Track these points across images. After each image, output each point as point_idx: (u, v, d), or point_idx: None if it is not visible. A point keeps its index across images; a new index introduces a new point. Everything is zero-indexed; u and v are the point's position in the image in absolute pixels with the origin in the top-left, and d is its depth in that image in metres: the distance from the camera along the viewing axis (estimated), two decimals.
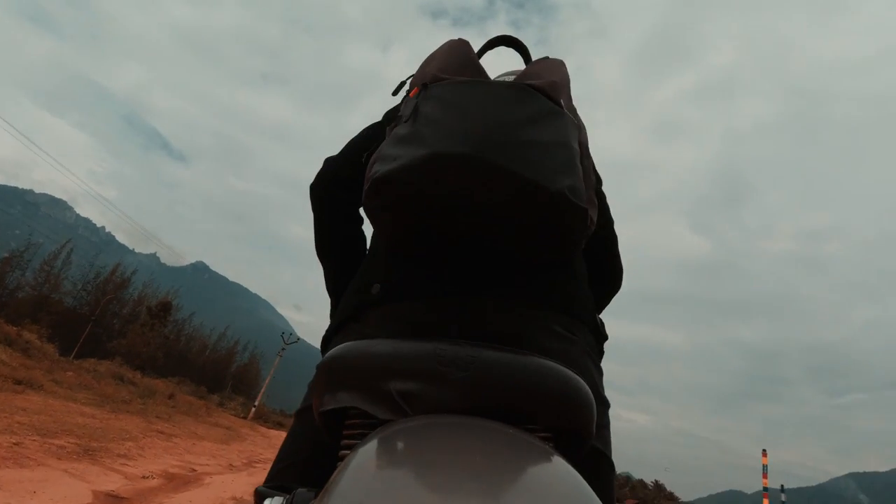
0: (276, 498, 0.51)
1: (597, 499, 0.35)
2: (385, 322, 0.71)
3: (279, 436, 22.46)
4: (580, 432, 0.55)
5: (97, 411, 8.98)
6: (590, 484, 0.38)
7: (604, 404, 0.73)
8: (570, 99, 0.79)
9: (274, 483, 0.64)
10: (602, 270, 0.99)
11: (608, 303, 1.05)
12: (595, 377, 0.72)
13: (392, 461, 0.38)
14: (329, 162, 0.98)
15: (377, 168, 0.66)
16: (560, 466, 0.39)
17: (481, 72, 0.78)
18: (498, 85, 0.70)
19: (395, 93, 0.87)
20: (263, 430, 24.05)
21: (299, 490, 0.49)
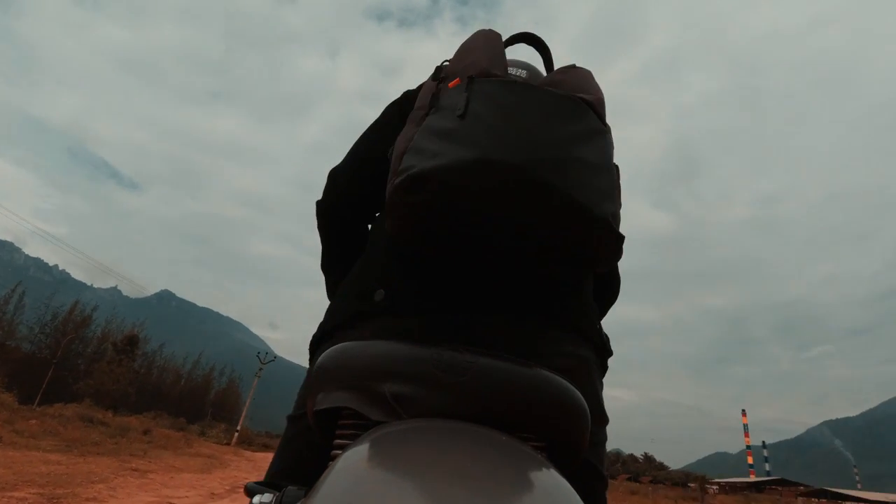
0: (266, 494, 0.51)
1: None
2: (385, 334, 0.65)
3: (266, 458, 21.95)
4: (574, 444, 0.55)
5: (63, 457, 8.53)
6: (581, 497, 0.38)
7: (603, 421, 0.72)
8: (605, 114, 0.77)
9: (267, 481, 0.64)
10: (605, 283, 0.99)
11: (607, 312, 1.05)
12: (598, 392, 0.71)
13: (382, 463, 0.38)
14: (334, 176, 0.93)
15: (412, 162, 0.60)
16: (550, 476, 0.39)
17: (511, 71, 0.74)
18: (552, 95, 0.65)
19: (434, 77, 0.76)
20: (248, 454, 23.44)
21: (289, 488, 0.50)
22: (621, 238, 0.63)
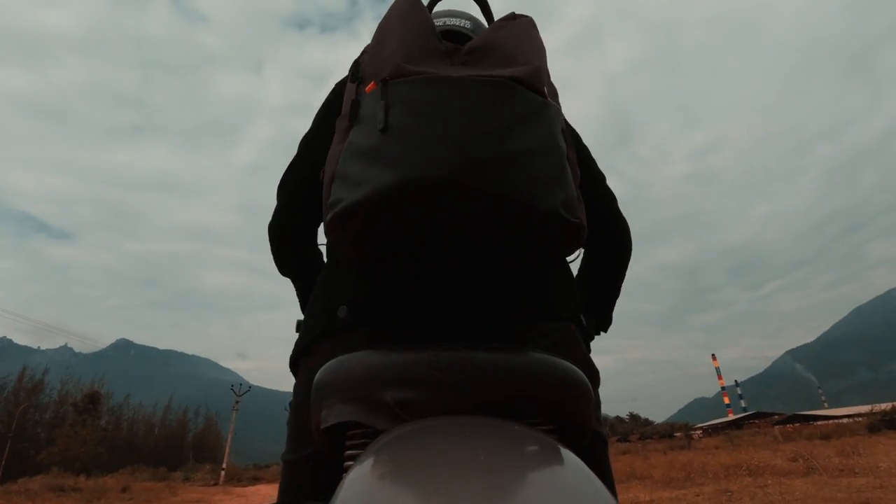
0: None
1: (603, 487, 0.35)
2: (351, 350, 0.63)
3: (256, 492, 21.30)
4: (581, 421, 0.55)
5: None
6: (592, 466, 0.38)
7: (595, 382, 0.73)
8: (548, 76, 0.70)
9: (282, 500, 0.65)
10: (608, 235, 0.94)
11: (625, 271, 0.99)
12: (587, 358, 0.73)
13: (395, 467, 0.38)
14: (280, 193, 0.88)
15: (339, 194, 0.57)
16: (565, 458, 0.39)
17: (446, 52, 0.67)
18: (477, 83, 0.58)
19: (352, 78, 0.70)
20: (239, 490, 22.66)
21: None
22: (576, 227, 0.59)
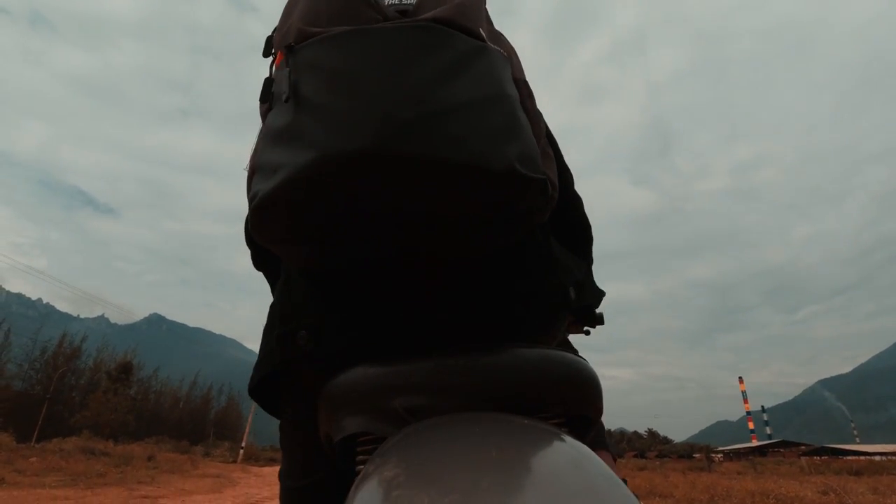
0: None
1: (617, 478, 0.35)
2: (325, 371, 0.56)
3: (273, 472, 21.77)
4: (591, 414, 0.55)
5: (71, 491, 8.37)
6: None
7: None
8: (490, 23, 0.60)
9: None
10: (573, 232, 0.82)
11: (590, 254, 0.87)
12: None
13: (408, 466, 0.37)
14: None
15: (256, 189, 0.48)
16: (577, 450, 0.39)
17: (364, 9, 0.54)
18: (394, 32, 0.48)
19: (265, 53, 0.61)
20: (256, 469, 23.24)
21: None
22: (539, 182, 0.48)
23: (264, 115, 0.55)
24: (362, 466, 0.53)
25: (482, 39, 0.52)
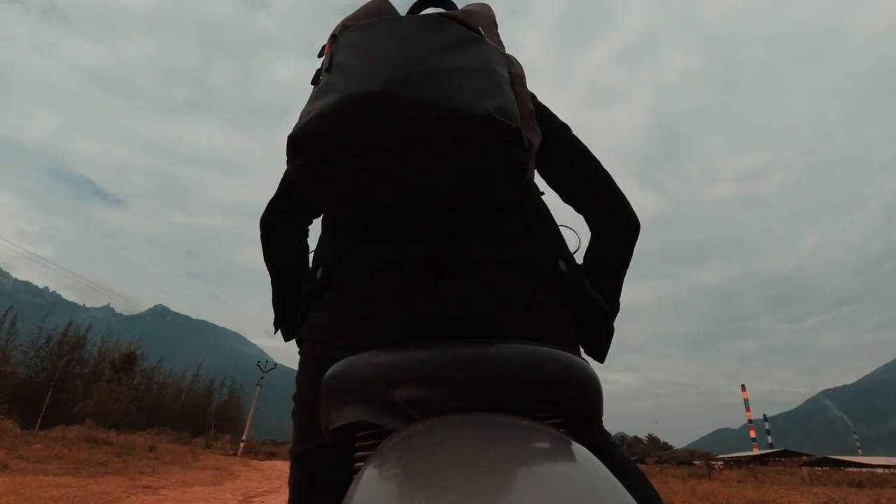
0: None
1: (616, 480, 0.35)
2: (334, 312, 0.67)
3: (273, 466, 21.87)
4: (590, 415, 0.55)
5: (73, 479, 8.44)
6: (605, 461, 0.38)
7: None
8: (495, 34, 0.73)
9: (297, 500, 0.66)
10: (608, 213, 0.85)
11: (630, 249, 0.88)
12: (574, 340, 0.69)
13: (406, 467, 0.38)
14: (278, 187, 0.91)
15: (294, 127, 0.62)
16: (576, 452, 0.39)
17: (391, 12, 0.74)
18: (409, 19, 0.66)
19: (320, 54, 0.76)
20: (256, 463, 23.34)
21: None
22: (514, 129, 0.57)
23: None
24: (360, 454, 0.55)
25: (479, 34, 0.66)
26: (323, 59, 0.71)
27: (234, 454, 28.23)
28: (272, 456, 32.04)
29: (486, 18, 0.72)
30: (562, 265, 0.71)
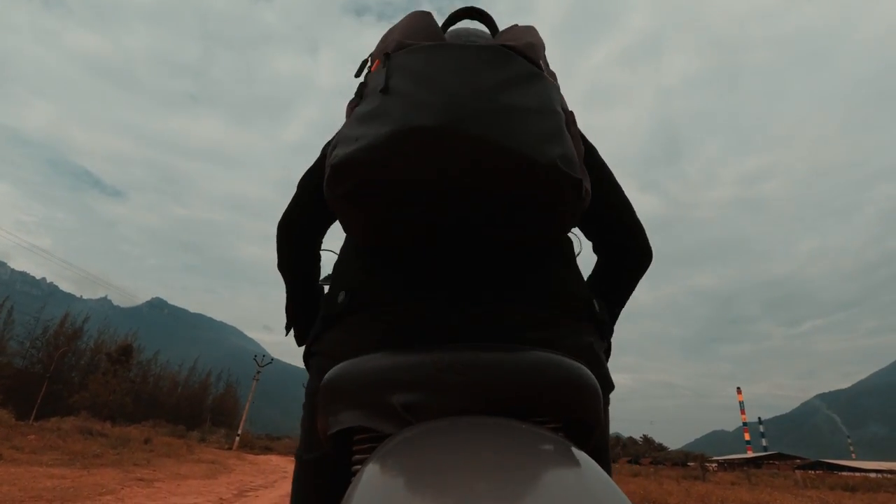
0: None
1: (614, 485, 0.35)
2: (353, 334, 0.65)
3: (268, 461, 21.86)
4: (588, 420, 0.55)
5: (67, 471, 8.43)
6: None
7: (606, 386, 0.70)
8: (548, 65, 0.72)
9: (300, 500, 0.67)
10: (621, 249, 0.86)
11: (636, 281, 0.90)
12: (594, 361, 0.68)
13: (405, 469, 0.38)
14: (297, 190, 0.89)
15: (337, 152, 0.59)
16: (575, 456, 0.39)
17: (445, 40, 0.70)
18: (471, 48, 0.61)
19: (358, 74, 0.73)
20: (251, 457, 23.32)
21: None
22: (576, 181, 0.57)
23: (351, 109, 0.67)
24: (358, 457, 0.55)
25: (541, 68, 0.64)
26: (367, 74, 0.67)
27: (230, 448, 28.25)
28: (268, 451, 32.05)
29: (541, 48, 0.69)
30: (596, 305, 0.72)
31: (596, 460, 0.39)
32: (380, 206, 0.60)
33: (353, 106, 0.67)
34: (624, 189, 0.87)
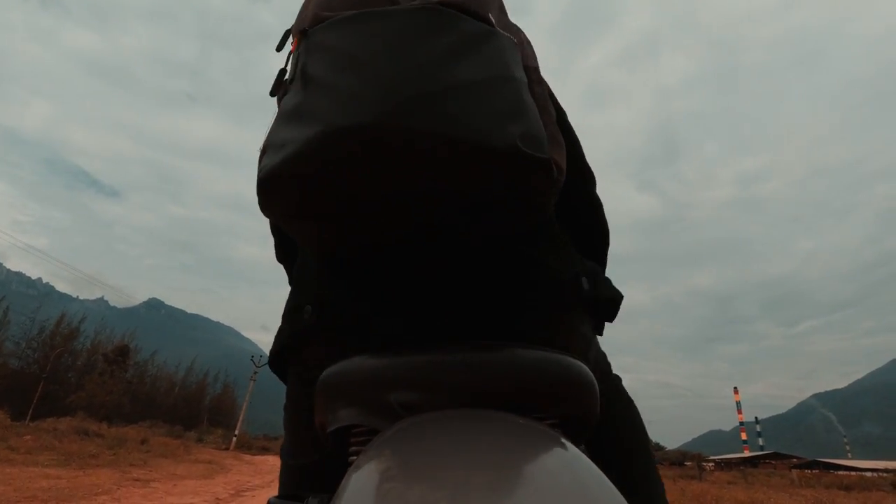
0: None
1: (606, 479, 0.35)
2: (325, 351, 0.59)
3: (265, 461, 21.85)
4: (585, 417, 0.55)
5: (63, 471, 8.41)
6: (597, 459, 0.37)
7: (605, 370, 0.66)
8: (503, 12, 0.60)
9: (286, 492, 0.64)
10: (584, 227, 0.78)
11: (605, 258, 0.83)
12: (586, 347, 0.64)
13: (400, 460, 0.38)
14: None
15: (264, 163, 0.49)
16: (569, 450, 0.39)
17: (369, 5, 0.56)
18: (398, 14, 0.49)
19: (279, 48, 0.63)
20: (248, 457, 23.31)
21: (311, 498, 0.50)
22: (544, 161, 0.47)
23: (277, 102, 0.58)
24: (354, 448, 0.54)
25: (491, 24, 0.52)
26: (289, 60, 0.57)
27: (227, 448, 28.20)
28: (265, 451, 32.04)
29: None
30: (584, 283, 0.62)
31: (594, 454, 0.37)
32: (326, 221, 0.51)
33: (278, 99, 0.57)
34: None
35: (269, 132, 0.52)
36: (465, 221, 0.52)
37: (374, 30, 0.49)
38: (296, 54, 0.53)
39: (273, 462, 21.24)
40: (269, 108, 0.59)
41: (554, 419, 0.54)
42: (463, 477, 0.32)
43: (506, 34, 0.53)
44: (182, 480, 9.67)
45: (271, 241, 0.89)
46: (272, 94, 0.57)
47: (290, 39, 0.61)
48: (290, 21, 0.69)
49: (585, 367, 0.55)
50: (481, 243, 0.56)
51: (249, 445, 33.52)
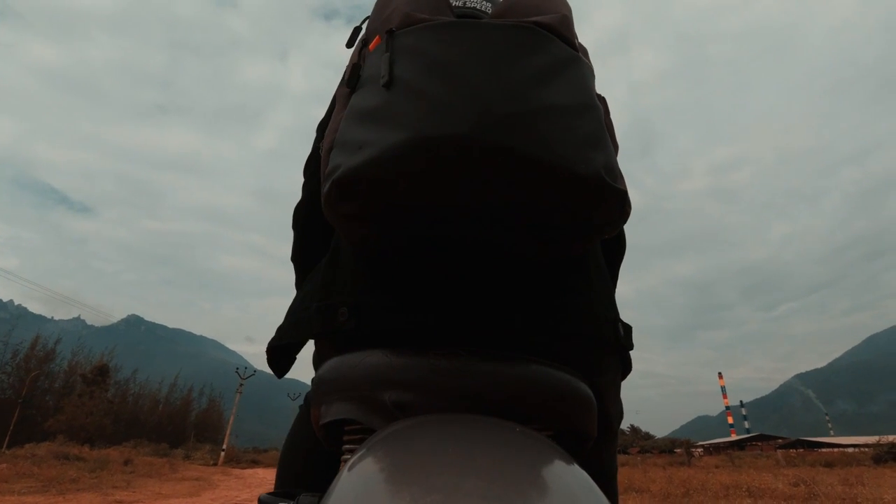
0: (281, 503, 0.51)
1: (596, 487, 0.35)
2: (361, 356, 0.56)
3: (254, 475, 21.53)
4: (581, 432, 0.55)
5: (41, 498, 8.16)
6: (594, 471, 0.38)
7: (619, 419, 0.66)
8: (575, 35, 0.60)
9: (279, 490, 0.64)
10: (607, 243, 0.78)
11: (618, 274, 0.85)
12: (608, 382, 0.62)
13: (392, 462, 0.37)
14: (303, 185, 0.83)
15: (338, 160, 0.48)
16: (561, 458, 0.39)
17: (453, 11, 0.58)
18: (495, 29, 0.49)
19: (349, 44, 0.62)
20: (237, 472, 22.95)
21: (303, 495, 0.50)
22: (621, 193, 0.48)
23: (345, 98, 0.56)
24: (347, 447, 0.55)
25: (576, 49, 0.54)
26: (361, 55, 0.55)
27: (215, 464, 27.73)
28: (254, 464, 31.54)
29: (572, 19, 0.58)
30: (620, 329, 0.62)
31: (595, 473, 0.38)
32: (391, 225, 0.50)
33: (347, 93, 0.56)
34: None
35: (341, 130, 0.51)
36: (526, 240, 0.51)
37: (469, 40, 0.48)
38: (380, 54, 0.51)
39: (262, 475, 20.93)
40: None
41: (550, 431, 0.54)
42: (455, 481, 0.32)
43: (586, 61, 0.54)
44: (167, 500, 9.46)
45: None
46: (348, 86, 0.55)
47: (364, 34, 0.60)
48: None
49: (585, 386, 0.54)
50: (532, 262, 0.56)
51: (238, 459, 32.96)
